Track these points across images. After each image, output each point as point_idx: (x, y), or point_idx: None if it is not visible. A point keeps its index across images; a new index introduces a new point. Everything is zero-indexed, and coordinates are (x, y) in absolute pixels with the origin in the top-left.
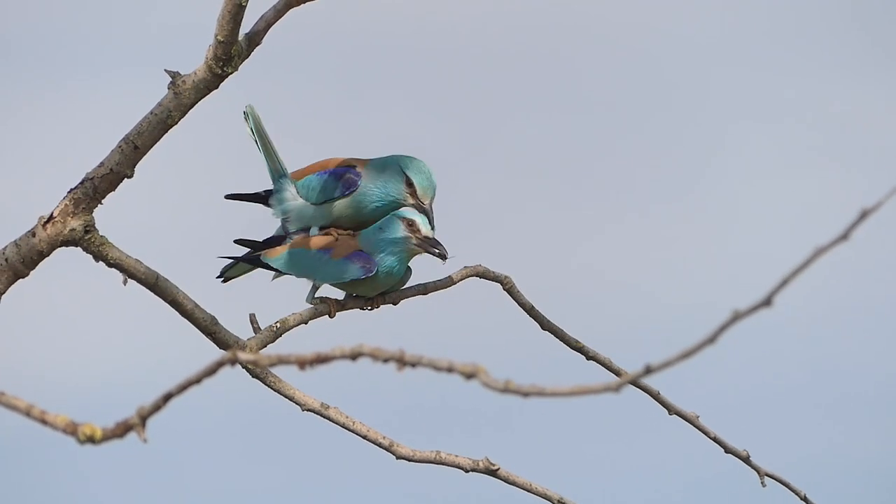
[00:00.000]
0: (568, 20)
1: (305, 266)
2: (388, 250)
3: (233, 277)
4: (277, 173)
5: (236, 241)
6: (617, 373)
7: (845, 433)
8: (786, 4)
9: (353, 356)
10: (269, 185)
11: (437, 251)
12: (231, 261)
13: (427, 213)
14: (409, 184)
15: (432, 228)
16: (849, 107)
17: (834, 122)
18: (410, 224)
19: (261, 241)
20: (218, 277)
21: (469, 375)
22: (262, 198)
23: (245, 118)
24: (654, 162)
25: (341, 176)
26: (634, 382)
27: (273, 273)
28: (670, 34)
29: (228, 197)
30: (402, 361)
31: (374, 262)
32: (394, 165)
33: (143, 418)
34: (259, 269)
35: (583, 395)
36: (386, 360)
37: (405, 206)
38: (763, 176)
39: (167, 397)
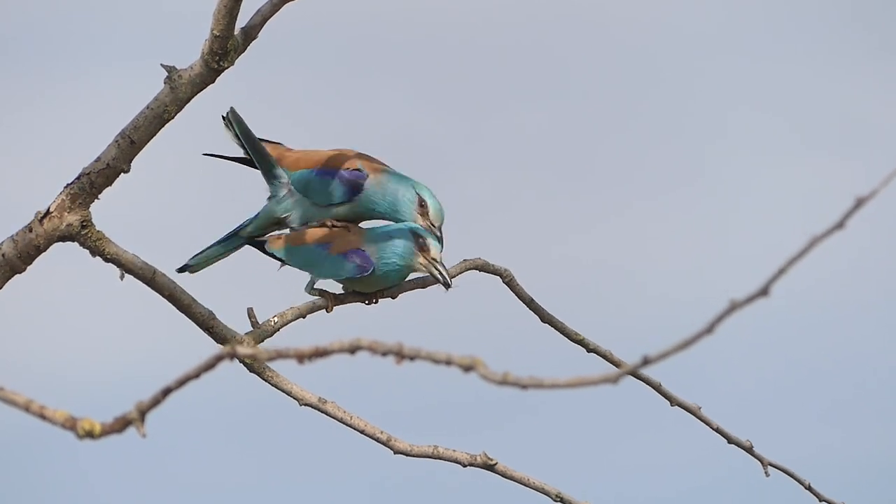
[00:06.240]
0: (566, 10)
1: (304, 259)
2: (392, 258)
3: (198, 269)
4: (269, 171)
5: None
6: (617, 365)
7: (848, 426)
8: None
9: (352, 350)
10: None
11: (441, 278)
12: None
13: (438, 238)
14: (422, 204)
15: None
16: (848, 96)
17: (833, 112)
18: (423, 243)
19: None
20: (180, 270)
21: (467, 368)
22: (246, 161)
23: (227, 124)
24: (654, 153)
25: (345, 180)
26: (634, 374)
27: (279, 263)
28: (668, 23)
29: (207, 155)
30: (400, 354)
31: (372, 262)
32: (406, 183)
33: (142, 413)
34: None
35: (581, 386)
36: (384, 354)
37: (412, 222)
38: (763, 166)
39: (166, 392)
